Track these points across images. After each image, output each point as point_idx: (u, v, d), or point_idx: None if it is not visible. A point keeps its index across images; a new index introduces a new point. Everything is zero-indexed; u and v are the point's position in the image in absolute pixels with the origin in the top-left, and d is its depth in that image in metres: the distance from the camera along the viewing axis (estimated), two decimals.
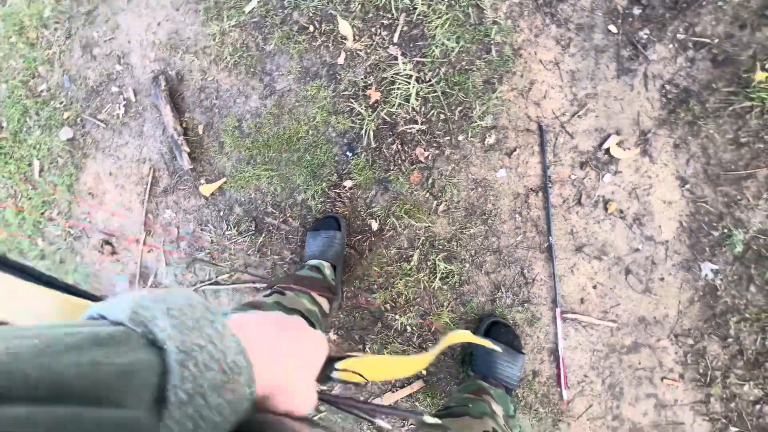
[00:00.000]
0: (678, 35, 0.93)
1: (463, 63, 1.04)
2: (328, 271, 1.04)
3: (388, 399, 1.14)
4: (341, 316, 1.18)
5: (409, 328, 1.12)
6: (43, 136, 1.42)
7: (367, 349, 1.15)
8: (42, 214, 1.43)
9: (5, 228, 1.48)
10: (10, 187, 1.46)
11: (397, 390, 1.14)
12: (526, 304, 1.03)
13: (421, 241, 1.09)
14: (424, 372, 1.12)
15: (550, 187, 1.00)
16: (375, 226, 1.12)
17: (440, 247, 1.07)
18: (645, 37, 0.94)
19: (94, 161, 1.38)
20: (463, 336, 0.76)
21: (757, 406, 0.90)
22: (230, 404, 0.22)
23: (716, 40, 0.91)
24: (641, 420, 0.99)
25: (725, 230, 0.92)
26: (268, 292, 0.84)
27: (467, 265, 1.06)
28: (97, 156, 1.38)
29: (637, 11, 0.95)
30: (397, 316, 1.12)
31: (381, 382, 1.15)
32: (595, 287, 1.00)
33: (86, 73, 1.39)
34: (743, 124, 0.90)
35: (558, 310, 1.00)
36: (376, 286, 1.14)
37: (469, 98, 1.03)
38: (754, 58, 0.89)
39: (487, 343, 0.81)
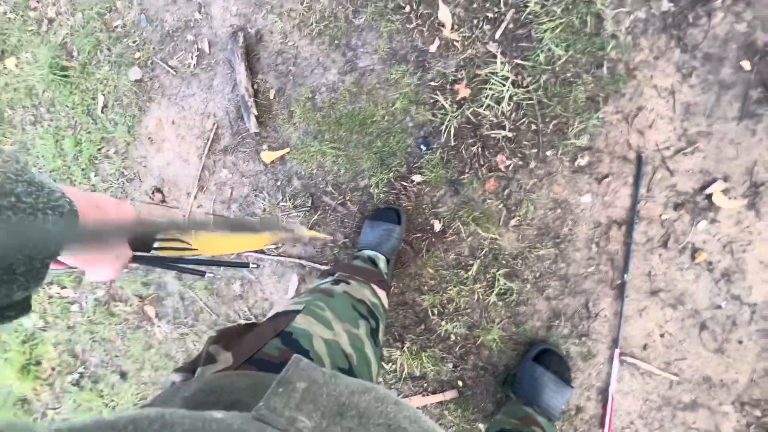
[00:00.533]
0: None
1: (569, 74, 0.96)
2: (382, 264, 1.01)
3: (418, 402, 1.12)
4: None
5: (453, 336, 1.09)
6: (112, 73, 1.39)
7: (405, 349, 1.13)
8: (99, 150, 1.42)
9: (60, 157, 1.48)
10: (72, 118, 1.45)
11: (428, 395, 1.12)
12: (583, 338, 0.98)
13: (484, 252, 1.04)
14: (460, 383, 1.09)
15: (636, 223, 0.93)
16: (438, 226, 1.08)
17: (503, 262, 1.03)
18: None
19: (159, 106, 1.36)
20: (311, 232, 0.82)
21: None
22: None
23: None
24: None
25: None
26: (332, 278, 0.81)
27: (529, 285, 1.01)
28: (162, 102, 1.35)
29: None
30: (443, 322, 1.09)
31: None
32: (662, 335, 0.94)
33: (164, 16, 1.35)
34: None
35: (617, 350, 0.96)
36: (426, 288, 1.10)
37: (568, 113, 0.97)
38: None
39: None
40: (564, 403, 0.95)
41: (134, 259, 0.48)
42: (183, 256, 0.52)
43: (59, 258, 0.37)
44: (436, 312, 1.10)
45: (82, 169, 1.45)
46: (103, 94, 1.41)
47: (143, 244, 0.48)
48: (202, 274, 0.54)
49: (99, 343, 1.52)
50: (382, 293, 0.89)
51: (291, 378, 0.30)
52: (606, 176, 0.95)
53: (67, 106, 1.45)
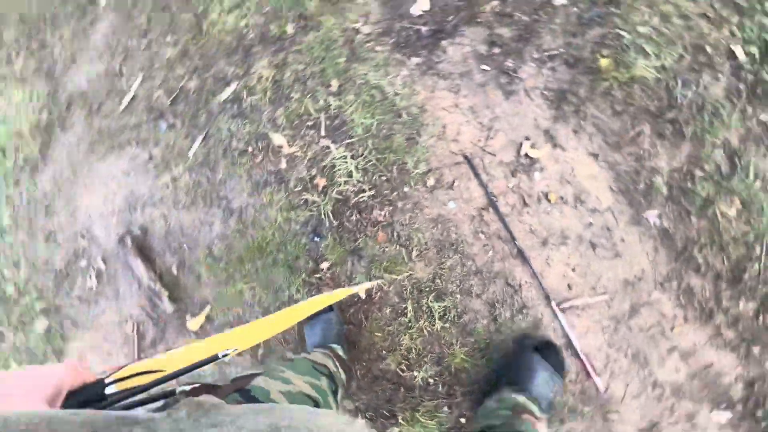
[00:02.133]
0: (533, 55, 1.17)
1: (384, 131, 1.21)
2: (340, 352, 1.04)
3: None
4: (363, 397, 1.14)
5: (431, 380, 1.10)
6: (19, 335, 1.40)
7: (400, 420, 1.11)
8: None
9: None
10: None
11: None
12: (524, 311, 1.07)
13: (408, 291, 1.13)
14: (463, 420, 1.07)
15: (495, 201, 1.12)
16: (362, 294, 1.17)
17: (427, 289, 1.12)
18: (511, 64, 1.17)
19: (76, 340, 1.37)
20: (343, 292, 0.78)
21: (760, 318, 0.95)
22: None
23: (561, 49, 1.15)
24: (677, 377, 0.99)
25: (647, 181, 1.05)
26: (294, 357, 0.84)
27: (458, 296, 1.11)
28: (77, 334, 1.37)
29: (496, 50, 1.19)
30: (415, 373, 1.11)
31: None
32: (574, 270, 1.06)
33: (51, 258, 1.44)
34: (612, 98, 1.10)
35: (553, 303, 1.05)
36: (384, 352, 1.14)
37: (400, 156, 1.19)
38: (592, 52, 1.13)
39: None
40: (556, 395, 0.97)
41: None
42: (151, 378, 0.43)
43: None
44: (404, 367, 1.12)
45: None
46: (16, 361, 1.39)
47: (91, 395, 0.40)
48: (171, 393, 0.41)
49: None
50: (341, 369, 0.92)
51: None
52: (453, 182, 1.15)
53: None
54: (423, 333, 1.11)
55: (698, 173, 1.03)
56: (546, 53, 1.16)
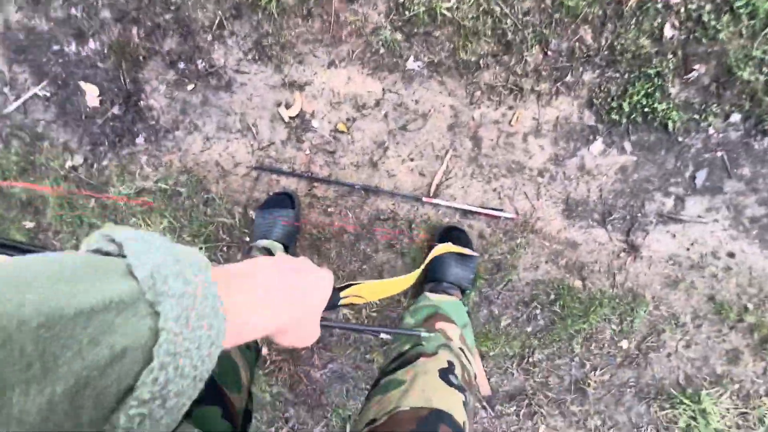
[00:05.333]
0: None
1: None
2: (279, 253, 0.95)
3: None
4: None
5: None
6: None
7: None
8: None
9: None
10: None
11: None
12: (413, 226, 1.05)
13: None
14: None
15: (308, 175, 1.06)
16: None
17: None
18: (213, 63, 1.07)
19: None
20: (444, 248, 0.89)
21: (549, 54, 0.95)
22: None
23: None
24: (545, 153, 1.00)
25: (373, 44, 1.00)
26: None
27: (362, 266, 1.08)
28: None
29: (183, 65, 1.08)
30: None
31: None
32: (412, 159, 1.04)
33: None
34: None
35: (423, 198, 1.03)
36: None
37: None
38: None
39: (467, 251, 0.93)
40: (473, 272, 0.98)
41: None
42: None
43: None
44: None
45: None
46: None
47: (330, 304, 0.47)
48: (376, 334, 0.59)
49: None
50: None
51: None
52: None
53: None
54: (372, 317, 1.10)
55: None
56: (213, 32, 1.05)
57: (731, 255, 1.00)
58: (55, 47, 1.10)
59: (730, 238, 1.00)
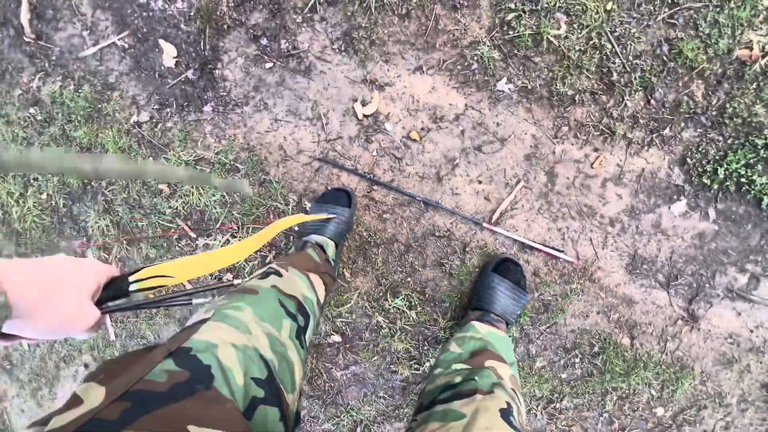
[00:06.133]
0: (297, 20, 1.03)
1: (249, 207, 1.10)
2: (330, 250, 0.94)
3: None
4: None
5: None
6: None
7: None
8: None
9: None
10: None
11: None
12: (467, 249, 1.02)
13: (368, 306, 1.09)
14: None
15: (372, 176, 1.03)
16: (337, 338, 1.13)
17: (380, 293, 1.08)
18: (288, 44, 1.04)
19: None
20: (293, 219, 0.78)
21: (651, 102, 0.89)
22: None
23: None
24: (623, 203, 0.96)
25: (476, 58, 0.96)
26: (263, 271, 0.71)
27: (408, 279, 1.06)
28: None
29: (265, 41, 1.05)
30: (423, 364, 1.09)
31: None
32: (480, 182, 1.01)
33: None
34: (390, 6, 0.98)
35: (484, 223, 1.00)
36: (393, 366, 1.12)
37: (266, 204, 1.09)
38: None
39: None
40: (520, 308, 0.94)
41: (105, 312, 0.46)
42: (161, 288, 0.50)
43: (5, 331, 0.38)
44: (413, 364, 1.10)
45: None
46: None
47: (118, 290, 0.47)
48: (188, 303, 0.51)
49: None
50: (320, 286, 0.78)
51: None
52: (326, 187, 1.06)
53: None
54: (406, 330, 1.08)
55: (509, 16, 0.93)
56: (304, 14, 1.02)
57: None
58: (142, 0, 1.08)
59: None
